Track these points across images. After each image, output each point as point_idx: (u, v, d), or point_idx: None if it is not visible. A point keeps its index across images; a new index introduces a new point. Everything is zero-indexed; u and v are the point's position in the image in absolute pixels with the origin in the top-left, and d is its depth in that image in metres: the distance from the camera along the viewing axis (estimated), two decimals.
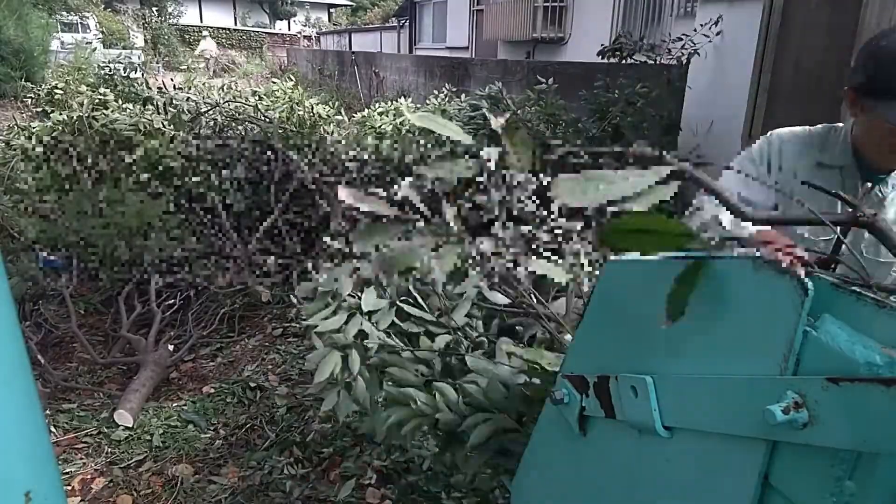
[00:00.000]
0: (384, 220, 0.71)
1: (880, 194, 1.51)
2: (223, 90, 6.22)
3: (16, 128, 5.18)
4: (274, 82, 6.78)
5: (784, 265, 0.65)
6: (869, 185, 1.48)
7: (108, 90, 5.50)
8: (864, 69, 1.36)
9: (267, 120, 4.59)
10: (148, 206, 3.62)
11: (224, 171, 3.81)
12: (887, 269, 1.54)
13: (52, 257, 3.74)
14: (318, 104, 5.50)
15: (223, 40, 27.45)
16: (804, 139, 1.60)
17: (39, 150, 3.94)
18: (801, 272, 0.64)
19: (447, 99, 6.66)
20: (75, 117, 4.13)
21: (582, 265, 0.70)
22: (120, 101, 5.13)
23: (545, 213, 0.70)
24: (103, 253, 3.61)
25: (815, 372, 0.61)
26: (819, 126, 1.59)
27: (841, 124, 1.56)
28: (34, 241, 3.76)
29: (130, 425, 2.67)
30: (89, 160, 3.79)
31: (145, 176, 3.78)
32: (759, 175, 1.57)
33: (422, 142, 4.48)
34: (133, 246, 3.57)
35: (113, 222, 3.58)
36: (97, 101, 4.84)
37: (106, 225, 3.59)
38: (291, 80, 6.97)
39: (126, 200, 3.59)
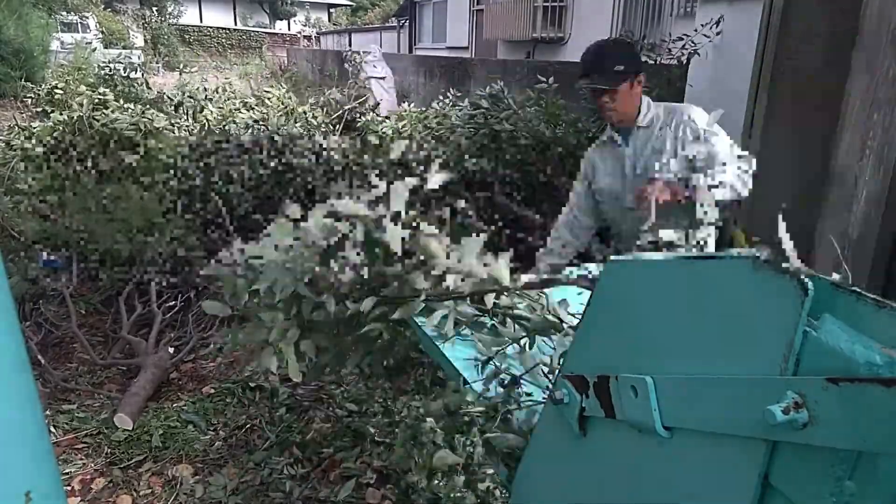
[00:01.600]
0: None
1: (622, 142, 2.22)
2: (218, 92, 6.24)
3: (16, 128, 5.19)
4: (267, 90, 6.72)
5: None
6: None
7: (108, 90, 5.51)
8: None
9: (267, 124, 4.60)
10: (149, 206, 3.62)
11: (225, 174, 3.81)
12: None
13: (52, 257, 3.73)
14: (311, 110, 5.49)
15: (223, 40, 27.44)
16: (599, 142, 2.35)
17: (40, 150, 3.94)
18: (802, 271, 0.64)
19: (451, 105, 6.25)
20: (76, 117, 4.14)
21: None
22: (122, 101, 5.15)
23: None
24: (104, 253, 3.60)
25: (815, 372, 0.61)
26: None
27: None
28: (34, 241, 3.76)
29: (130, 428, 2.67)
30: (90, 161, 3.79)
31: (146, 176, 3.78)
32: (585, 188, 2.38)
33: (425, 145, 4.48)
34: (134, 246, 3.57)
35: (115, 218, 3.57)
36: (97, 101, 4.85)
37: (108, 221, 3.58)
38: (283, 88, 6.91)
39: (127, 199, 3.59)
